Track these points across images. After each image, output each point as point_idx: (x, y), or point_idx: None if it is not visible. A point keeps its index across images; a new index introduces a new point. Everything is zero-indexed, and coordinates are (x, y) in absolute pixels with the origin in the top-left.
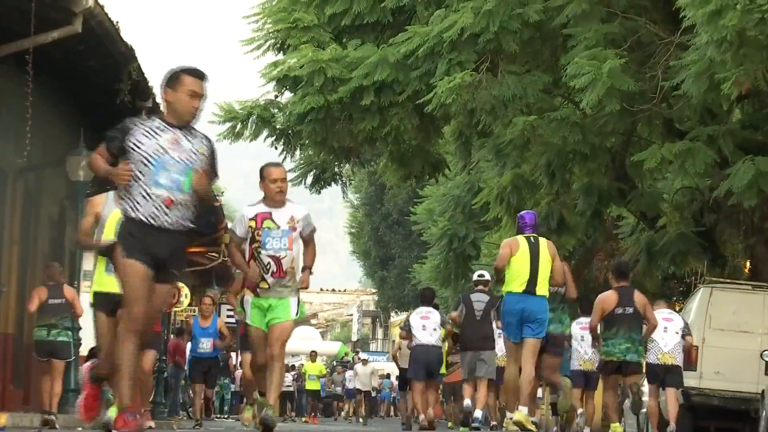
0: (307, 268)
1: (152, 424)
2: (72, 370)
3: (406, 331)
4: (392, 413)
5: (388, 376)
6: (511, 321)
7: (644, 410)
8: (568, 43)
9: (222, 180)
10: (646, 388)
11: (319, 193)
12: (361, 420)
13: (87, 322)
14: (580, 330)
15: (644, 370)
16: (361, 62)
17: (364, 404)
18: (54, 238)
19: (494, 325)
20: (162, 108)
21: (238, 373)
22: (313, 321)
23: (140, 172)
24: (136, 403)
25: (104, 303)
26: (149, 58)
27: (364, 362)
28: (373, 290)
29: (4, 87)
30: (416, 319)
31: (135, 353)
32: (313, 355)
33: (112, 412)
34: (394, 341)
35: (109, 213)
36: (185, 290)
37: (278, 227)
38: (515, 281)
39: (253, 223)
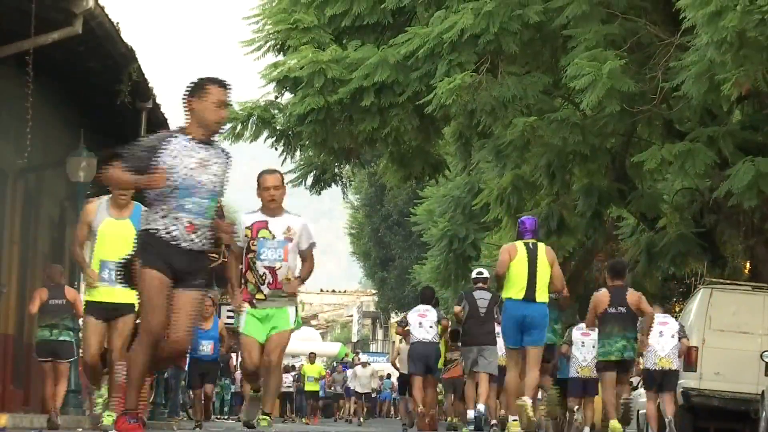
0: (300, 279)
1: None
2: (73, 370)
3: (402, 326)
4: (392, 414)
5: (388, 376)
6: (510, 327)
7: (643, 411)
8: (568, 44)
9: None
10: (642, 398)
11: (320, 194)
12: (361, 420)
13: None
14: (581, 336)
15: (641, 376)
16: (361, 63)
17: (364, 406)
18: (54, 238)
19: (496, 322)
20: (186, 117)
21: (239, 374)
22: (313, 322)
23: (164, 194)
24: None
25: (96, 310)
26: (149, 59)
27: (364, 365)
28: (373, 291)
29: (5, 88)
30: (414, 317)
31: (146, 364)
32: (312, 357)
33: (108, 419)
34: (393, 342)
35: (100, 221)
36: None
37: (274, 237)
38: (514, 287)
39: (248, 232)
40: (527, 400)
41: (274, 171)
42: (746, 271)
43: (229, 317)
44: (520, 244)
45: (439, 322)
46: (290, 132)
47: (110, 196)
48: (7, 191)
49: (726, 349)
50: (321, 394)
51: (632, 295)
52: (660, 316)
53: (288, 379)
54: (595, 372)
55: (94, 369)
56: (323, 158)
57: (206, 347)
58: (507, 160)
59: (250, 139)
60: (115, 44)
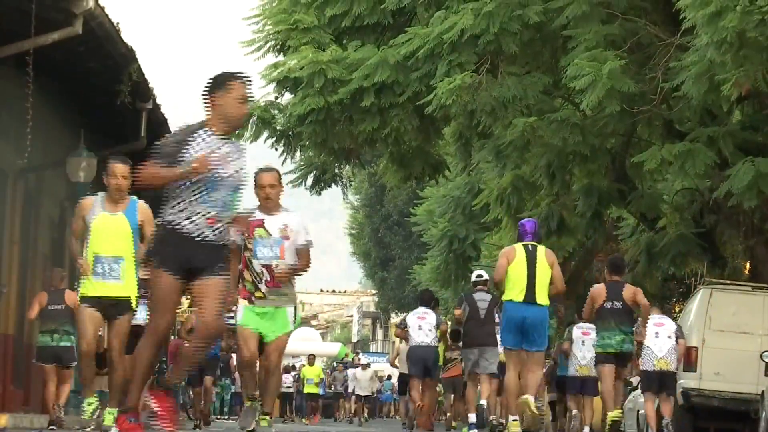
0: (293, 269)
1: None
2: (75, 371)
3: (402, 328)
4: (393, 415)
5: (389, 378)
6: (510, 329)
7: (643, 411)
8: (568, 44)
9: None
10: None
11: (320, 194)
12: (362, 419)
13: None
14: (581, 334)
15: (639, 377)
16: (361, 63)
17: (364, 407)
18: (54, 239)
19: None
20: (207, 112)
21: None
22: (314, 322)
23: (190, 187)
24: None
25: (92, 303)
26: (149, 60)
27: (364, 367)
28: (374, 291)
29: (5, 88)
30: (413, 319)
31: (152, 361)
32: (311, 359)
33: (108, 419)
34: (393, 342)
35: (94, 216)
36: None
37: (270, 235)
38: (514, 289)
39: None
40: (530, 397)
41: (270, 169)
42: (746, 272)
43: (229, 317)
44: (519, 247)
45: (438, 326)
46: (290, 132)
47: (106, 192)
48: (7, 191)
49: (726, 350)
50: (321, 392)
51: (628, 291)
52: (656, 317)
53: (288, 379)
54: (593, 371)
55: (89, 359)
56: (323, 158)
57: None
58: (507, 160)
59: (250, 139)
60: (115, 44)
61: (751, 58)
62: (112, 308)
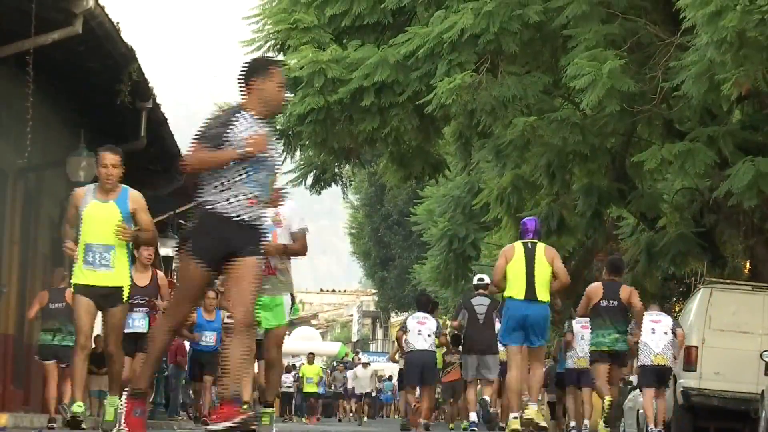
0: (285, 246)
1: None
2: None
3: (404, 331)
4: (393, 415)
5: (390, 378)
6: (512, 326)
7: (640, 410)
8: (568, 44)
9: None
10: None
11: (320, 193)
12: (361, 419)
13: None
14: (580, 329)
15: (636, 373)
16: (361, 63)
17: (364, 405)
18: (54, 238)
19: (497, 327)
20: (245, 96)
21: None
22: (314, 321)
23: (234, 168)
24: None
25: (85, 292)
26: (149, 59)
27: (365, 365)
28: (373, 291)
29: (5, 88)
30: (413, 323)
31: (165, 346)
32: (310, 358)
33: (109, 413)
34: (393, 342)
35: (86, 205)
36: None
37: None
38: (514, 287)
39: None
40: (532, 410)
41: None
42: (746, 271)
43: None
44: (518, 245)
45: (437, 333)
46: (290, 132)
47: (98, 182)
48: (7, 191)
49: (726, 349)
50: (321, 391)
51: (624, 290)
52: (653, 314)
53: (288, 379)
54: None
55: (85, 356)
56: (323, 158)
57: (209, 338)
58: (507, 159)
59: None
60: (115, 44)
61: (751, 58)
62: (105, 298)
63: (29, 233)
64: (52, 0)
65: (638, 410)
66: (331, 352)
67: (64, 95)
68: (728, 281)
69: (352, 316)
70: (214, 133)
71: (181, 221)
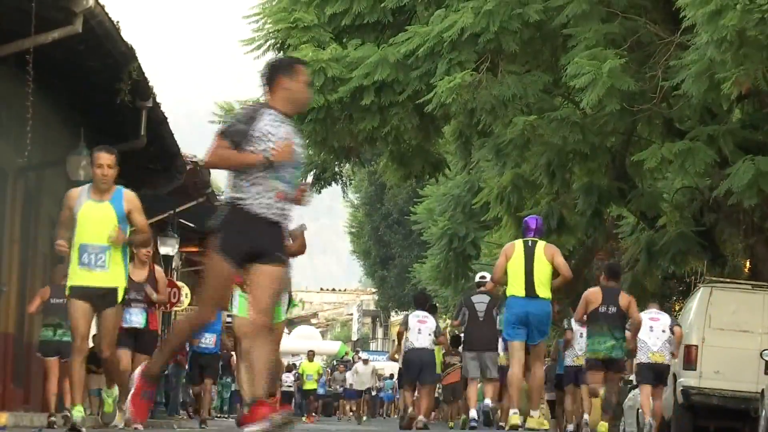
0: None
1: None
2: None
3: (405, 327)
4: (393, 413)
5: (391, 376)
6: (514, 323)
7: (640, 409)
8: (568, 43)
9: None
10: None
11: (320, 192)
12: (364, 417)
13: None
14: (579, 327)
15: (634, 371)
16: (361, 62)
17: (363, 403)
18: (54, 237)
19: (497, 324)
20: (269, 94)
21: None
22: (313, 320)
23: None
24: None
25: (80, 294)
26: (149, 58)
27: (365, 361)
28: (373, 290)
29: (5, 87)
30: (414, 322)
31: (182, 342)
32: (310, 355)
33: (108, 405)
34: (393, 341)
35: (80, 206)
36: (185, 290)
37: None
38: (514, 285)
39: None
40: (534, 418)
41: None
42: (746, 270)
43: (229, 315)
44: (518, 243)
45: (436, 333)
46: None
47: (92, 182)
48: (7, 190)
49: (726, 348)
50: (321, 392)
51: (624, 298)
52: (652, 312)
53: (289, 378)
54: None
55: (82, 358)
56: (323, 157)
57: (209, 340)
58: (507, 158)
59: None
60: (115, 43)
61: (751, 57)
62: (100, 299)
63: (29, 232)
64: None
65: (638, 409)
66: (331, 351)
67: (64, 94)
68: (728, 280)
69: (352, 315)
70: (238, 130)
71: (181, 220)
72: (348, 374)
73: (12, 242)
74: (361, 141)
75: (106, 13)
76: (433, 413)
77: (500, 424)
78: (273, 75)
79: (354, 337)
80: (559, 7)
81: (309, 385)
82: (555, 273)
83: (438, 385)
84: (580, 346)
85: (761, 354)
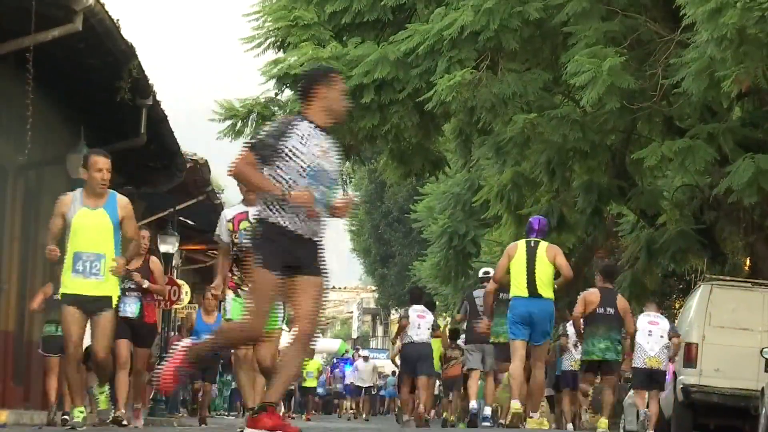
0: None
1: (140, 424)
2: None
3: (406, 319)
4: (394, 409)
5: (394, 374)
6: (518, 322)
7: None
8: (569, 41)
9: (222, 178)
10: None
11: None
12: (364, 416)
13: None
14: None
15: (630, 375)
16: (361, 60)
17: (363, 400)
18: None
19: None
20: (306, 104)
21: None
22: None
23: (293, 180)
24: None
25: (72, 301)
26: (149, 56)
27: (366, 359)
28: (374, 288)
29: (5, 85)
30: (413, 316)
31: (230, 348)
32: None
33: (102, 402)
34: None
35: (75, 212)
36: (185, 287)
37: None
38: (517, 285)
39: (230, 226)
40: (534, 419)
41: None
42: (746, 268)
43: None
44: (521, 243)
45: (434, 330)
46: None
47: (84, 186)
48: (7, 188)
49: (726, 346)
50: (320, 391)
51: (621, 301)
52: (651, 315)
53: None
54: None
55: (76, 364)
56: None
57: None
58: (507, 156)
59: (250, 136)
60: (116, 41)
61: (752, 55)
62: (92, 305)
63: (29, 230)
64: None
65: (638, 410)
66: (331, 349)
67: (64, 92)
68: (728, 278)
69: (352, 313)
70: (267, 145)
71: (181, 218)
72: (348, 371)
73: (12, 240)
74: (361, 139)
75: (107, 11)
76: (433, 410)
77: (501, 421)
78: (310, 84)
79: (354, 335)
80: (559, 5)
81: (309, 383)
82: (557, 274)
83: (438, 383)
84: (577, 350)
85: (761, 352)
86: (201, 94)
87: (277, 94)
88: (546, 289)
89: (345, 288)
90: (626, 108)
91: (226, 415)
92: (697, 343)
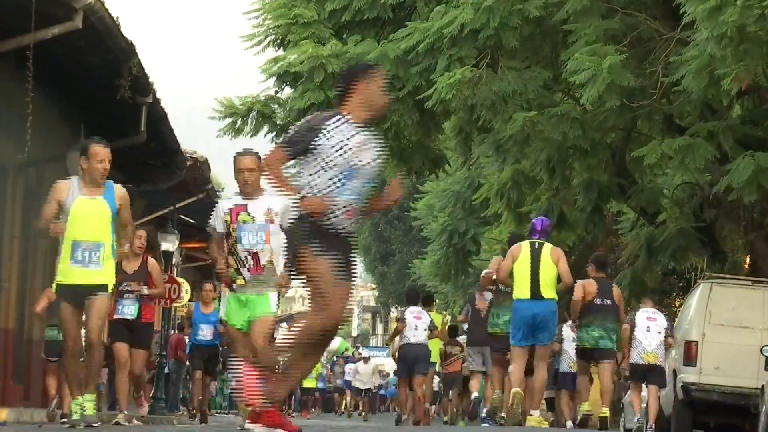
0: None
1: (144, 411)
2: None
3: (403, 323)
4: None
5: (395, 373)
6: (520, 326)
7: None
8: (569, 39)
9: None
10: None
11: None
12: (363, 415)
13: None
14: (571, 332)
15: (628, 369)
16: (361, 58)
17: (362, 401)
18: (39, 228)
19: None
20: (347, 99)
21: None
22: None
23: (325, 177)
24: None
25: (69, 294)
26: (150, 54)
27: (366, 360)
28: (374, 286)
29: (5, 83)
30: (410, 318)
31: (308, 344)
32: None
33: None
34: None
35: (73, 201)
36: (185, 285)
37: (254, 220)
38: (520, 287)
39: (228, 217)
40: (534, 417)
41: (249, 152)
42: (746, 266)
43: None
44: (525, 244)
45: (431, 330)
46: (290, 126)
47: (81, 174)
48: (7, 186)
49: (726, 344)
50: (321, 386)
51: (617, 291)
52: (649, 312)
53: None
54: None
55: (76, 358)
56: None
57: (206, 332)
58: (507, 154)
59: (250, 134)
60: (116, 39)
61: (752, 53)
62: (88, 294)
63: (29, 229)
64: None
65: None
66: (331, 347)
67: (64, 90)
68: (728, 276)
69: (351, 310)
70: (298, 138)
71: (181, 216)
72: (347, 368)
73: (12, 238)
74: None
75: (106, 9)
76: (433, 407)
77: (501, 415)
78: (349, 80)
79: (354, 333)
80: (559, 3)
81: (308, 383)
82: (558, 277)
83: (437, 380)
84: (575, 351)
85: (761, 350)
86: (201, 92)
87: (277, 92)
88: (549, 290)
89: None
90: (626, 106)
91: (226, 413)
92: (697, 341)
